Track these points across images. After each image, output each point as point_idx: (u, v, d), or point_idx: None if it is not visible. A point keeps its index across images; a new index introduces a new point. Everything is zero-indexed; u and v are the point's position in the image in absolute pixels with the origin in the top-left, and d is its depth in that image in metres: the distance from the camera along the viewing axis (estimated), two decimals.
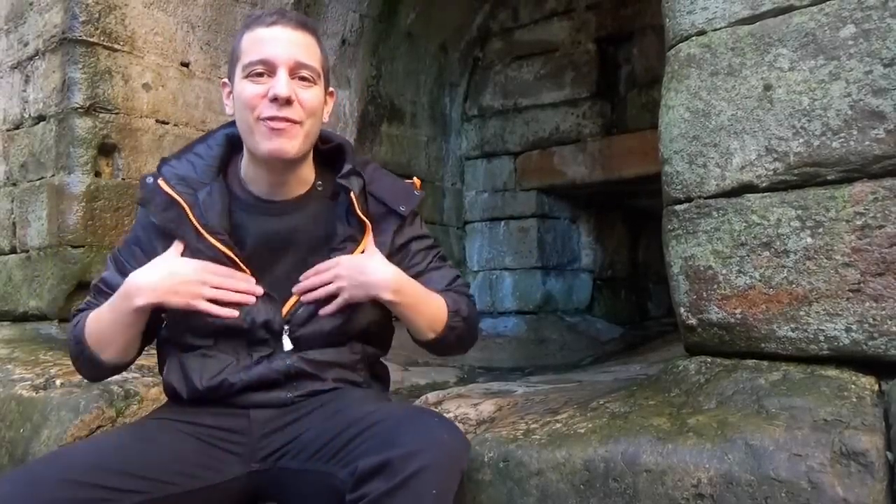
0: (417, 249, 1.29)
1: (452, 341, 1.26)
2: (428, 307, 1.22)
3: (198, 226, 1.15)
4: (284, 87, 1.10)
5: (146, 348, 1.24)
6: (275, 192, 1.21)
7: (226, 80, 1.21)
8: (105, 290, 1.21)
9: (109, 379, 1.82)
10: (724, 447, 1.01)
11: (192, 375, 1.17)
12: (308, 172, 1.23)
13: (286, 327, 1.18)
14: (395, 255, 1.25)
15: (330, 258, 1.20)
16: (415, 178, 1.33)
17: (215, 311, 1.13)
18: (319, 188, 1.24)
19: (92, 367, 1.20)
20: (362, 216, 1.20)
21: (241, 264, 1.17)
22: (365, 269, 1.18)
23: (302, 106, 1.12)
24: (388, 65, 3.73)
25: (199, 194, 1.18)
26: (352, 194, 1.19)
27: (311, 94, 1.14)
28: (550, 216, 4.11)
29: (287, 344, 1.18)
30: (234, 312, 1.14)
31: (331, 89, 1.23)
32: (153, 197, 1.18)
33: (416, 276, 1.25)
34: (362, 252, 1.20)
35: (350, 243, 1.20)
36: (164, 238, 1.19)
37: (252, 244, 1.19)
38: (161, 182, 1.18)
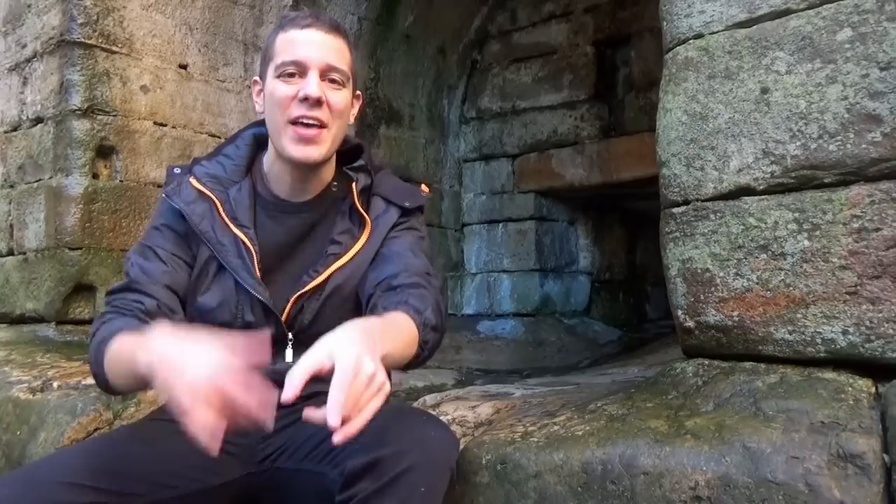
0: (402, 235, 1.23)
1: (426, 356, 1.13)
2: (401, 341, 1.03)
3: (226, 219, 1.18)
4: (315, 88, 1.13)
5: None
6: (295, 192, 1.23)
7: (257, 78, 1.24)
8: (137, 286, 1.15)
9: None
10: (722, 450, 1.01)
11: None
12: (328, 173, 1.26)
13: (290, 335, 1.18)
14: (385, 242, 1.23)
15: (327, 251, 1.20)
16: (423, 185, 1.34)
17: (199, 440, 0.82)
18: (334, 188, 1.26)
19: (106, 389, 1.13)
20: (362, 212, 1.21)
21: (257, 261, 1.17)
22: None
23: (330, 108, 1.15)
24: (386, 67, 3.74)
25: (230, 191, 1.22)
26: (353, 186, 1.22)
27: (340, 97, 1.17)
28: (548, 218, 4.12)
29: (289, 355, 1.18)
30: (215, 450, 0.82)
31: (357, 92, 1.26)
32: (180, 191, 1.21)
33: (380, 252, 1.20)
34: (359, 250, 1.20)
35: (347, 237, 1.21)
36: (189, 226, 1.19)
37: (267, 243, 1.20)
38: (192, 180, 1.21)
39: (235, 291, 1.17)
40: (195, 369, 0.84)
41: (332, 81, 1.16)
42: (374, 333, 0.93)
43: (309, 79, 1.14)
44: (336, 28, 1.19)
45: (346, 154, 1.29)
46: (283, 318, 1.18)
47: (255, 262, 1.17)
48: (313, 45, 1.15)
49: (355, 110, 1.25)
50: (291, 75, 1.15)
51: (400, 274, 1.16)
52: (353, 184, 1.22)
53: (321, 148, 1.16)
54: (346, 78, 1.18)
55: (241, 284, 1.16)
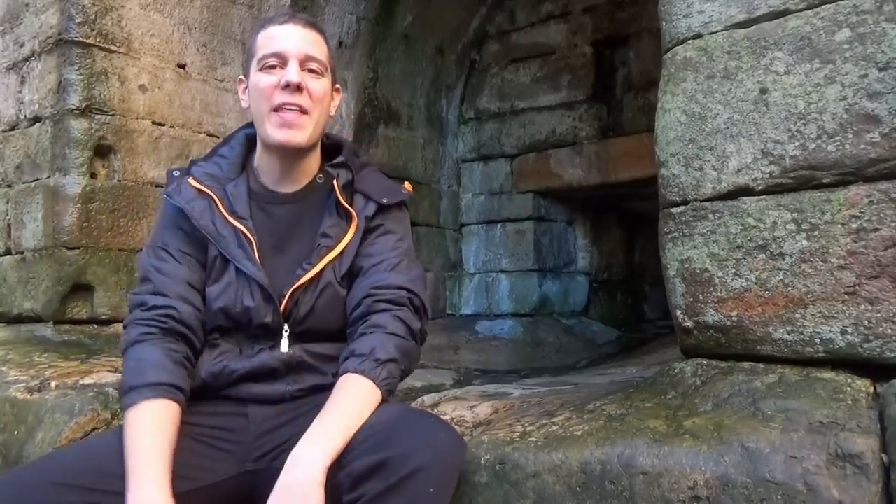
0: (380, 241, 1.26)
1: (398, 380, 1.16)
2: (355, 417, 1.05)
3: (225, 213, 1.23)
4: (295, 75, 1.19)
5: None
6: (282, 183, 1.28)
7: (242, 76, 1.32)
8: (160, 289, 1.20)
9: (104, 381, 1.83)
10: (721, 449, 1.01)
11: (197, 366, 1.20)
12: (314, 164, 1.30)
13: (285, 327, 1.21)
14: (362, 239, 1.25)
15: (319, 244, 1.23)
16: (406, 183, 1.38)
17: None
18: (320, 181, 1.30)
19: None
20: (346, 206, 1.25)
21: (256, 248, 1.22)
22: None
23: (311, 94, 1.21)
24: (384, 67, 3.73)
25: (227, 187, 1.27)
26: (335, 183, 1.26)
27: (319, 84, 1.24)
28: (547, 219, 4.12)
29: (285, 345, 1.20)
30: None
31: (337, 86, 1.33)
32: (181, 190, 1.26)
33: (359, 265, 1.24)
34: (348, 242, 1.23)
35: (337, 230, 1.24)
36: (191, 223, 1.23)
37: (261, 233, 1.25)
38: (191, 180, 1.26)
39: (236, 278, 1.21)
40: None
41: (312, 71, 1.23)
42: (326, 433, 1.01)
43: (289, 67, 1.20)
44: (312, 23, 1.27)
45: (330, 150, 1.34)
46: (281, 309, 1.20)
47: (255, 250, 1.22)
48: (292, 37, 1.22)
49: (336, 102, 1.32)
50: (273, 67, 1.21)
51: (363, 302, 1.19)
52: (335, 180, 1.27)
53: (304, 132, 1.21)
54: (325, 68, 1.25)
55: (242, 271, 1.20)
